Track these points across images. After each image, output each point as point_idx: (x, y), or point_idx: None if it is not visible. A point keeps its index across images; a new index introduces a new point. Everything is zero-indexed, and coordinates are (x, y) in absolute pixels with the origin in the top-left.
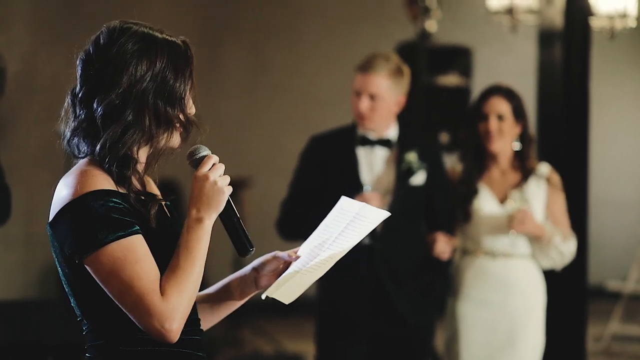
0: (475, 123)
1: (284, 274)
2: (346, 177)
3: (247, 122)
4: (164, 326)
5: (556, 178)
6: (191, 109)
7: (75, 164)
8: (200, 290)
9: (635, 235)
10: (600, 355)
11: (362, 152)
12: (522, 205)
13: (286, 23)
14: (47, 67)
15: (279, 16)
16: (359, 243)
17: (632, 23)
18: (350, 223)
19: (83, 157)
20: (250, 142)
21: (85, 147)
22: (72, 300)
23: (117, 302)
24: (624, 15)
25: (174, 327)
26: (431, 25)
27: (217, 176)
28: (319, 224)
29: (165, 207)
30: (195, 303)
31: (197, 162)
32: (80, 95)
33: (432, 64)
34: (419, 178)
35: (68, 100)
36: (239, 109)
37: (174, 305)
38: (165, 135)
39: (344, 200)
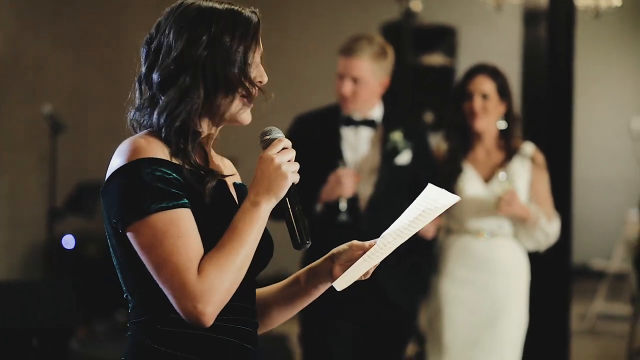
0: (460, 102)
1: (354, 265)
2: (330, 157)
3: None
4: (196, 307)
5: (540, 158)
6: (262, 77)
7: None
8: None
9: (619, 215)
10: (585, 334)
11: (346, 132)
12: (509, 186)
13: (272, 6)
14: (31, 51)
15: None
16: (344, 223)
17: (617, 2)
18: (424, 210)
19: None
20: None
21: (146, 119)
22: (119, 275)
23: (154, 276)
24: None
25: (208, 309)
26: (416, 5)
27: (284, 160)
28: (304, 202)
29: (232, 187)
30: (253, 292)
31: (267, 143)
32: (143, 74)
33: (417, 43)
34: (404, 157)
35: (134, 85)
36: None
37: (210, 287)
38: (226, 99)
39: (428, 188)
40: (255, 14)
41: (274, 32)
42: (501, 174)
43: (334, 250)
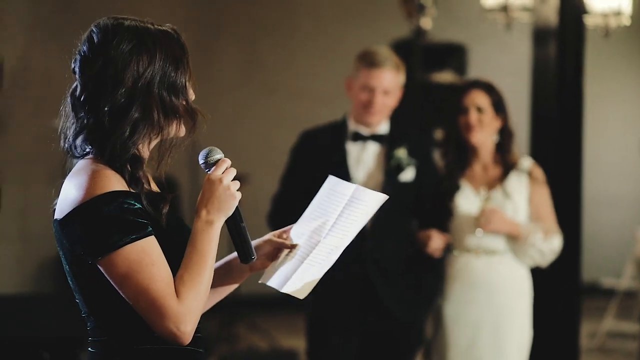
0: (455, 117)
1: (285, 263)
2: (336, 172)
3: (241, 118)
4: (179, 328)
5: (538, 172)
6: (192, 96)
7: (76, 163)
8: None
9: (629, 232)
10: (595, 352)
11: (353, 148)
12: (487, 203)
13: (280, 20)
14: (41, 64)
15: (272, 13)
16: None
17: (626, 21)
18: (346, 207)
19: (83, 156)
20: (244, 138)
21: (91, 148)
22: (77, 297)
23: (131, 304)
24: (618, 13)
25: (189, 329)
26: (426, 23)
27: (229, 180)
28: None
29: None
30: None
31: (211, 164)
32: (82, 98)
33: (427, 61)
34: (408, 174)
35: (68, 102)
36: (233, 105)
37: (190, 308)
38: (174, 125)
39: (333, 181)
40: (178, 33)
41: (282, 48)
42: (493, 192)
43: (253, 244)
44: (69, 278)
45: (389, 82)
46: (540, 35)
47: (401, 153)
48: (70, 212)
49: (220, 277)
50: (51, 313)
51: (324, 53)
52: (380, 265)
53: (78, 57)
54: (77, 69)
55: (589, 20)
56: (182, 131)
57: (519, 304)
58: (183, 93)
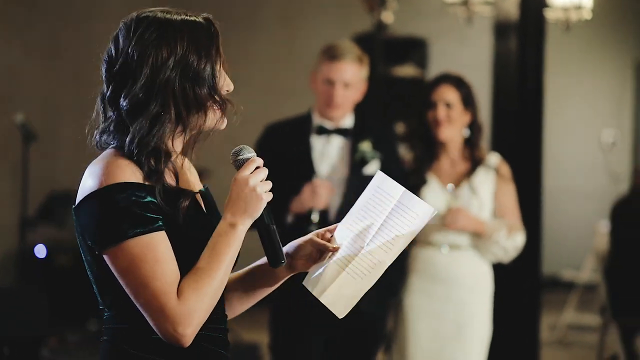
0: (424, 111)
1: (325, 268)
2: (301, 166)
3: None
4: (176, 329)
5: (505, 168)
6: (228, 86)
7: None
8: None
9: (589, 225)
10: (555, 344)
11: (317, 142)
12: (454, 202)
13: (244, 15)
14: (3, 60)
15: (237, 8)
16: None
17: (587, 15)
18: (393, 212)
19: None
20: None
21: (114, 141)
22: (94, 287)
23: (132, 299)
24: (579, 7)
25: (188, 331)
26: (387, 17)
27: (257, 181)
28: (273, 212)
29: (199, 197)
30: (222, 298)
31: (240, 163)
32: (107, 96)
33: (388, 55)
34: (372, 167)
35: (98, 102)
36: None
37: (190, 309)
38: (199, 118)
39: (382, 178)
40: (210, 20)
41: (246, 42)
42: (449, 186)
43: (294, 244)
44: (86, 268)
45: (350, 75)
46: (501, 29)
47: (365, 146)
48: (81, 200)
49: (255, 280)
50: (11, 309)
51: (288, 48)
52: None
53: (105, 56)
54: (102, 69)
55: (550, 14)
56: (211, 122)
57: (479, 298)
58: (210, 83)
